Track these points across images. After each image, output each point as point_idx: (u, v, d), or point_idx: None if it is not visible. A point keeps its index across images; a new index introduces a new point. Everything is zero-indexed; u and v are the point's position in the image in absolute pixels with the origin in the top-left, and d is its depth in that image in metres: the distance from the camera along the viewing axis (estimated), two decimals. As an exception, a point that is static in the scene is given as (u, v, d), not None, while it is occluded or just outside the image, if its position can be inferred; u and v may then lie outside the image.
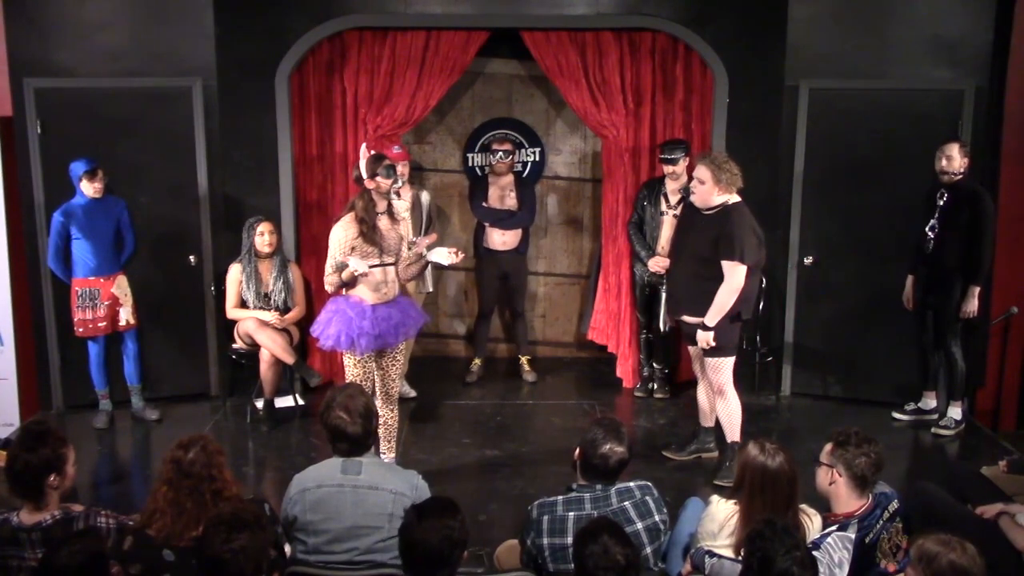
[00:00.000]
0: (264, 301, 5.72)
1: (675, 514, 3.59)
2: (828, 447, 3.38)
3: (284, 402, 5.91)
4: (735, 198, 4.72)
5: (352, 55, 6.06)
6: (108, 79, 5.76)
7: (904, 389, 5.90)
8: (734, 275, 4.61)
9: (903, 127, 5.78)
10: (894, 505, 3.37)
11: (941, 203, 5.41)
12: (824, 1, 5.89)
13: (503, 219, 6.30)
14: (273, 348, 5.59)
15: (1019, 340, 6.04)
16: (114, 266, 5.61)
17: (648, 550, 3.20)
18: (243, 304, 5.74)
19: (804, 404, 6.16)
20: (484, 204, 6.31)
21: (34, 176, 5.75)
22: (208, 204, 5.99)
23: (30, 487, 3.08)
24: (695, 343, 4.85)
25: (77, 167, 5.44)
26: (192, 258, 6.02)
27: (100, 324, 5.56)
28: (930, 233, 5.45)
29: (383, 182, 4.47)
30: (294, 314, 5.82)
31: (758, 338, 6.15)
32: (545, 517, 3.19)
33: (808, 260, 6.06)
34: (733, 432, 4.88)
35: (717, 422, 5.03)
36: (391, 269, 4.60)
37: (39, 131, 5.72)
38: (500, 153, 6.29)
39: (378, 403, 4.66)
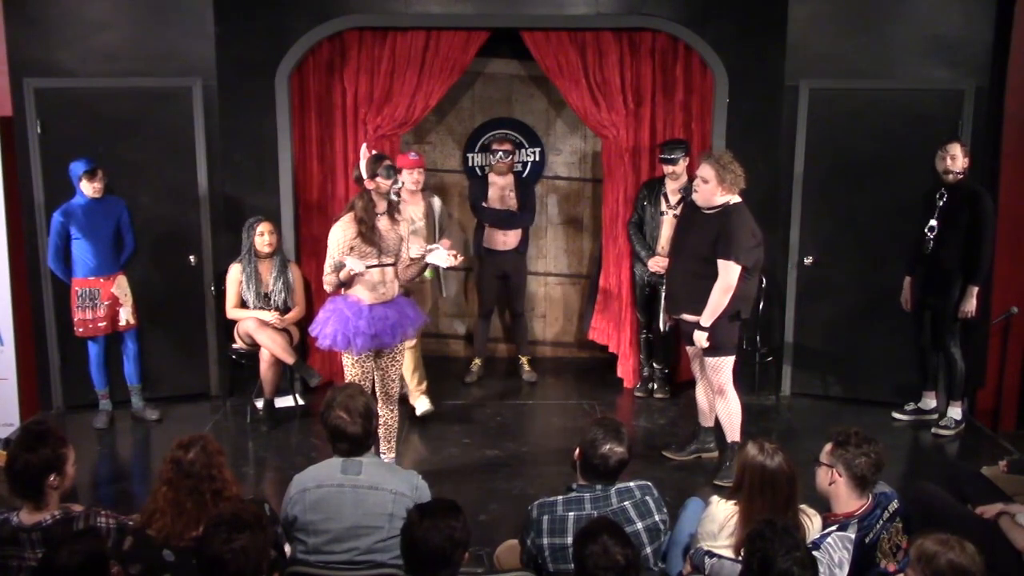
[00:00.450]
0: (264, 301, 5.72)
1: (675, 514, 3.59)
2: (828, 447, 3.38)
3: (284, 402, 5.91)
4: (736, 199, 4.72)
5: (352, 55, 6.06)
6: (108, 79, 5.76)
7: (904, 389, 5.90)
8: (727, 274, 4.61)
9: (903, 127, 5.78)
10: (894, 505, 3.37)
11: (941, 203, 5.41)
12: (824, 1, 5.89)
13: (503, 219, 6.30)
14: (273, 348, 5.59)
15: (1019, 340, 6.04)
16: (114, 266, 5.61)
17: (648, 550, 3.20)
18: (243, 304, 5.74)
19: (804, 404, 6.16)
20: (484, 204, 6.31)
21: (34, 176, 5.75)
22: (208, 204, 5.99)
23: (30, 487, 3.08)
24: (694, 343, 4.85)
25: (77, 167, 5.44)
26: (192, 258, 6.02)
27: (100, 324, 5.56)
28: (929, 233, 5.45)
29: (383, 182, 4.47)
30: (294, 314, 5.82)
31: (758, 338, 6.15)
32: (545, 517, 3.19)
33: (808, 260, 6.06)
34: (733, 432, 4.88)
35: (717, 422, 5.04)
36: (389, 269, 4.59)
37: (39, 131, 5.72)
38: (500, 153, 6.28)
39: (377, 403, 4.66)
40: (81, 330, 5.56)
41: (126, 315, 5.65)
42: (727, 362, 4.82)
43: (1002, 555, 3.39)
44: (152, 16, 5.78)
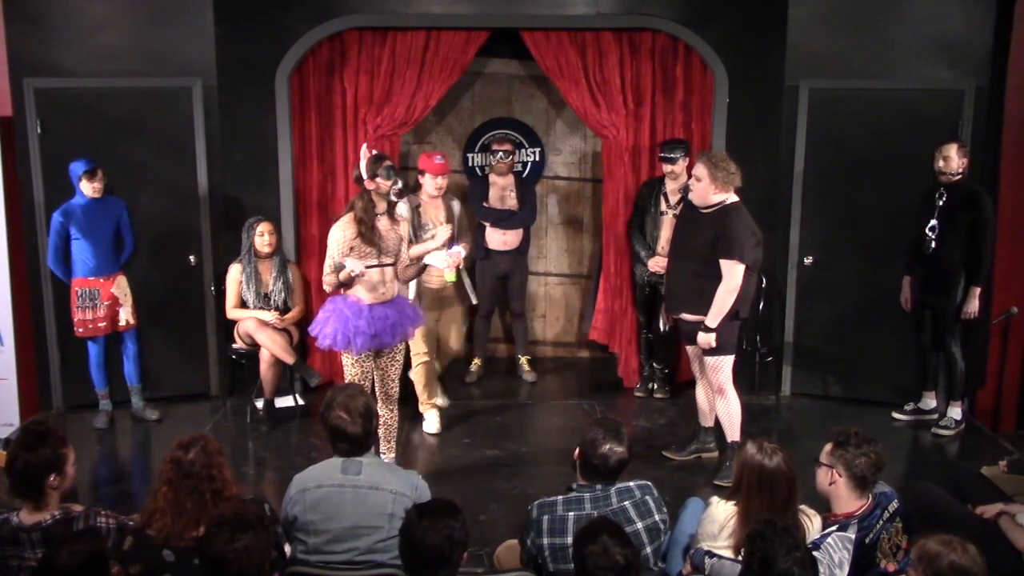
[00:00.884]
0: (264, 301, 5.73)
1: (675, 514, 3.59)
2: (828, 447, 3.38)
3: (284, 402, 5.91)
4: (733, 198, 4.73)
5: (352, 55, 6.06)
6: (108, 79, 5.76)
7: (904, 389, 5.90)
8: (732, 274, 4.61)
9: (903, 127, 5.78)
10: (894, 505, 3.37)
11: (940, 203, 5.41)
12: (824, 1, 5.89)
13: (504, 219, 6.29)
14: (273, 348, 5.59)
15: (1019, 340, 6.04)
16: (114, 266, 5.61)
17: (648, 550, 3.20)
18: (243, 304, 5.74)
19: (804, 404, 6.16)
20: (484, 204, 6.30)
21: (34, 176, 5.75)
22: (208, 204, 5.99)
23: (30, 487, 3.08)
24: (694, 343, 4.85)
25: (77, 167, 5.44)
26: (192, 258, 6.02)
27: (100, 324, 5.56)
28: (930, 233, 5.45)
29: (383, 183, 4.47)
30: (294, 314, 5.82)
31: (758, 338, 6.15)
32: (545, 517, 3.19)
33: (808, 260, 6.06)
34: (733, 432, 4.88)
35: (717, 422, 5.04)
36: (389, 269, 4.59)
37: (39, 131, 5.72)
38: (500, 153, 6.28)
39: (377, 403, 4.66)
40: (81, 330, 5.56)
41: (126, 315, 5.65)
42: (727, 362, 4.82)
43: (1002, 555, 3.39)
44: (152, 16, 5.78)
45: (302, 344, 5.91)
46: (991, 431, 5.82)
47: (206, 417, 5.89)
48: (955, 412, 5.62)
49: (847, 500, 3.32)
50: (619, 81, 6.08)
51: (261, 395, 5.78)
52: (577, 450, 3.30)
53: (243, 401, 5.94)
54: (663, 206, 5.86)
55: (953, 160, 5.31)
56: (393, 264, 4.62)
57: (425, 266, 4.88)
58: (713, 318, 4.66)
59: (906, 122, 5.77)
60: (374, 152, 4.61)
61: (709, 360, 4.84)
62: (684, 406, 5.99)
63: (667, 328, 5.64)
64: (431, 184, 5.54)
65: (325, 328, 4.53)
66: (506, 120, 6.94)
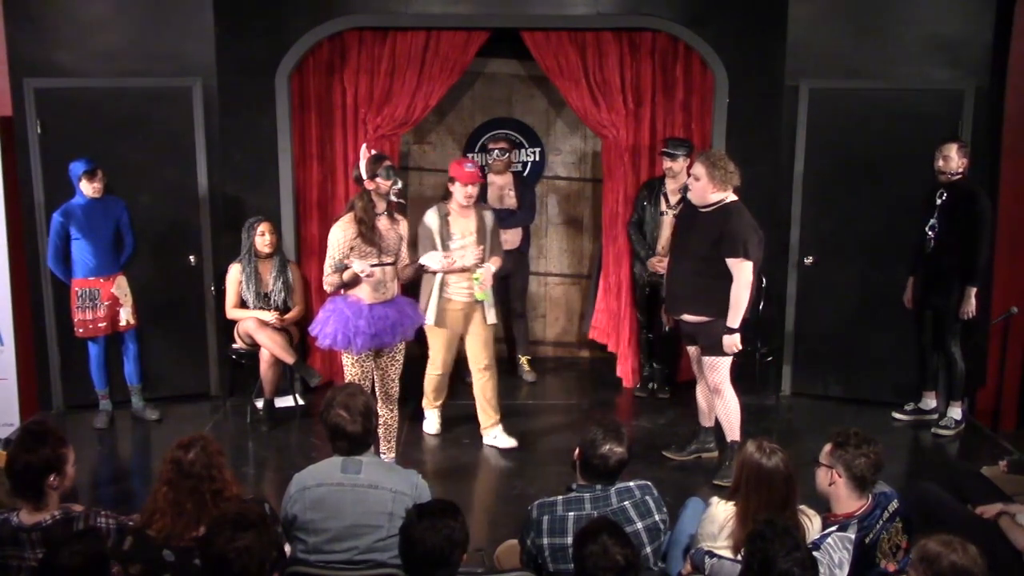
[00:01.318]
0: (264, 301, 5.73)
1: (675, 514, 3.59)
2: (828, 447, 3.38)
3: (284, 402, 5.91)
4: (732, 197, 4.73)
5: (352, 55, 6.06)
6: (108, 79, 5.76)
7: (904, 389, 5.90)
8: (742, 272, 4.61)
9: (903, 127, 5.77)
10: (894, 505, 3.36)
11: (940, 202, 5.40)
12: (824, 1, 5.89)
13: (503, 218, 6.26)
14: (273, 348, 5.59)
15: (1019, 340, 6.04)
16: (114, 266, 5.61)
17: (648, 550, 3.20)
18: (243, 304, 5.74)
19: (804, 404, 6.16)
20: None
21: (34, 176, 5.75)
22: (208, 204, 5.99)
23: (30, 487, 3.07)
24: (694, 343, 4.84)
25: (77, 167, 5.44)
26: (192, 258, 6.02)
27: (100, 324, 5.55)
28: (930, 233, 5.45)
29: (383, 183, 4.48)
30: (294, 314, 5.82)
31: (758, 338, 6.15)
32: (545, 517, 3.19)
33: (808, 260, 6.06)
34: (733, 431, 4.88)
35: (717, 422, 5.03)
36: (389, 269, 4.60)
37: (39, 131, 5.72)
38: (496, 152, 6.29)
39: (377, 403, 4.66)
40: (81, 331, 5.56)
41: (126, 315, 5.65)
42: (724, 361, 4.81)
43: (1002, 555, 3.39)
44: (152, 16, 5.78)
45: (302, 344, 5.91)
46: (991, 431, 5.83)
47: (206, 417, 5.89)
48: (955, 412, 5.62)
49: (847, 500, 3.32)
50: (619, 81, 6.09)
51: (261, 395, 5.78)
52: (577, 450, 3.30)
53: (243, 401, 5.94)
54: (663, 206, 5.86)
55: (953, 160, 5.31)
56: (393, 263, 4.62)
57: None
58: (733, 318, 4.64)
59: (906, 122, 5.77)
60: (374, 152, 4.61)
61: (707, 359, 4.84)
62: (684, 406, 5.97)
63: (667, 328, 5.63)
64: (461, 193, 5.15)
65: (325, 328, 4.54)
66: (506, 120, 6.94)
